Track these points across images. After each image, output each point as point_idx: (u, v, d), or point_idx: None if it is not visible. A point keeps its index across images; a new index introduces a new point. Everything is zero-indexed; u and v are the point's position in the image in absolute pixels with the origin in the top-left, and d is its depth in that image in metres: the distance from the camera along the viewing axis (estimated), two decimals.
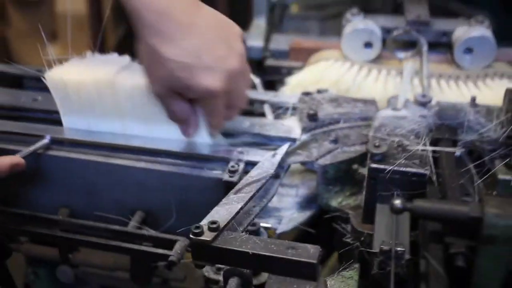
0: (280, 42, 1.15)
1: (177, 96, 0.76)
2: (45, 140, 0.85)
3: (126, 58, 0.89)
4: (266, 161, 0.79)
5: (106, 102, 0.84)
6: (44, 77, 0.86)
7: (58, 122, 0.90)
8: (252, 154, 0.82)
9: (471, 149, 0.81)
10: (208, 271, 0.77)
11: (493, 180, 0.75)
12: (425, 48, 0.95)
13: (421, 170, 0.71)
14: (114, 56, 0.90)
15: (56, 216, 0.86)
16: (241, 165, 0.79)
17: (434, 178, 0.73)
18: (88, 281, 1.12)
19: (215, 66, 0.73)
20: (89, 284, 1.12)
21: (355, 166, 0.81)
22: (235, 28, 0.79)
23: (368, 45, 1.04)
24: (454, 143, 0.78)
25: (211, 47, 0.74)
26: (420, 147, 0.75)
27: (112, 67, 0.85)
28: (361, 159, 0.84)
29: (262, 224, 0.81)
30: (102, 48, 0.93)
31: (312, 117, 0.88)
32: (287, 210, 0.85)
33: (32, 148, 0.83)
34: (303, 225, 0.84)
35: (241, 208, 0.69)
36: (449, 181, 0.70)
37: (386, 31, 1.07)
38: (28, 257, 1.03)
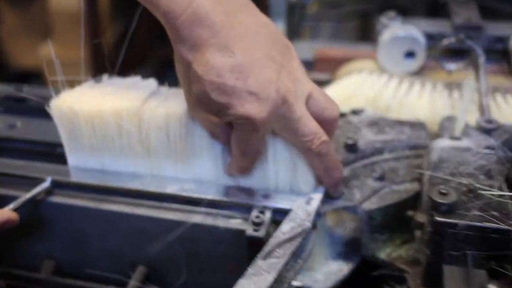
0: (303, 50, 0.98)
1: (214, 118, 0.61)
2: (45, 184, 0.69)
3: (152, 82, 0.71)
4: (299, 209, 0.62)
5: (130, 137, 0.67)
6: (48, 106, 0.68)
7: (42, 155, 0.75)
8: (280, 199, 0.65)
9: None
10: None
11: None
12: (482, 59, 0.79)
13: (503, 226, 0.55)
14: (136, 79, 0.73)
15: (37, 274, 0.70)
16: (267, 214, 0.63)
17: None
18: None
19: (261, 90, 0.56)
20: None
21: (410, 213, 0.65)
22: (285, 40, 0.62)
23: (409, 54, 0.88)
24: None
25: (257, 65, 0.57)
26: (497, 192, 0.59)
27: (137, 93, 0.68)
28: (414, 199, 0.68)
29: (294, 283, 0.66)
30: (99, 46, 0.74)
31: (351, 148, 0.72)
32: (323, 263, 0.70)
33: (29, 195, 0.67)
34: (345, 281, 0.68)
35: (274, 281, 0.53)
36: None
37: (429, 37, 0.91)
38: None
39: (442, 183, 0.61)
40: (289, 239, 0.58)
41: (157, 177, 0.69)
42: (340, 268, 0.69)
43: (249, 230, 0.61)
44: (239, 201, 0.65)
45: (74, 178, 0.70)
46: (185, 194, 0.66)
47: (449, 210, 0.57)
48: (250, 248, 0.62)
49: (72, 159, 0.71)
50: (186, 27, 0.57)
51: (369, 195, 0.67)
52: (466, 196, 0.59)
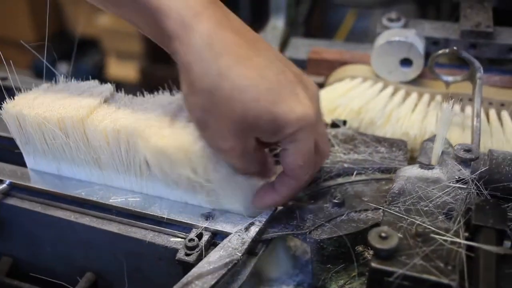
0: (299, 48, 0.92)
1: (253, 140, 0.56)
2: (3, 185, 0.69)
3: (108, 88, 0.68)
4: (235, 236, 0.58)
5: (77, 148, 0.65)
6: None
7: None
8: (225, 221, 0.61)
9: None
10: None
11: None
12: (479, 75, 0.70)
13: (444, 280, 0.49)
14: (93, 84, 0.69)
15: None
16: (205, 238, 0.60)
17: None
18: None
19: (298, 87, 0.55)
20: None
21: (359, 248, 0.59)
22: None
23: (406, 62, 0.79)
24: (502, 235, 0.54)
25: (282, 68, 0.56)
26: (450, 238, 0.52)
27: (88, 100, 0.65)
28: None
29: None
30: None
31: None
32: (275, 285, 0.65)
33: None
34: None
35: None
36: None
37: (433, 42, 0.82)
38: None
39: (394, 220, 0.55)
40: (212, 271, 0.54)
41: (107, 187, 0.67)
42: None
43: (181, 254, 0.58)
44: (179, 219, 0.62)
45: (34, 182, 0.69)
46: (128, 207, 0.64)
47: (389, 256, 0.51)
48: (184, 271, 0.58)
49: (30, 162, 0.70)
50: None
51: (322, 222, 0.62)
52: (413, 240, 0.53)
